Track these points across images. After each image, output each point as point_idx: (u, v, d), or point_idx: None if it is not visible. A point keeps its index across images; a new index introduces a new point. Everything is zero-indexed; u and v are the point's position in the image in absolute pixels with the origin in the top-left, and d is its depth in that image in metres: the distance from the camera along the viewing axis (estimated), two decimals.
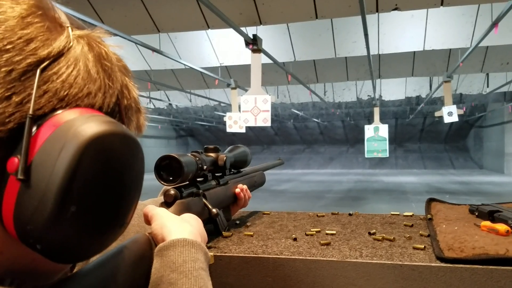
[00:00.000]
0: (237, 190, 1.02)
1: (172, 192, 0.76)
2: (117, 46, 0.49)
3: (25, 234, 0.37)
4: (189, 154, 0.81)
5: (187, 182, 0.82)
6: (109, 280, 0.50)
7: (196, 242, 0.57)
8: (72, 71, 0.41)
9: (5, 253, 0.40)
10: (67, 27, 0.43)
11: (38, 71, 0.38)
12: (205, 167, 0.85)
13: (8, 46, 0.37)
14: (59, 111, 0.39)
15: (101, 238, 0.42)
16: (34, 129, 0.38)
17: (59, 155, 0.36)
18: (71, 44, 0.42)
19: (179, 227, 0.60)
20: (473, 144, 21.40)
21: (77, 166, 0.37)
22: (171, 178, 0.75)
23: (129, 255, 0.55)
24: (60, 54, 0.40)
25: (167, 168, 0.75)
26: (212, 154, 0.92)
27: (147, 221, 0.65)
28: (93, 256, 0.44)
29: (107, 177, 0.39)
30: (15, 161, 0.37)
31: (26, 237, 0.37)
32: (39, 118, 0.38)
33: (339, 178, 16.48)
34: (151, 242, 0.61)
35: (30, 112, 0.37)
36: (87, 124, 0.38)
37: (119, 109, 0.47)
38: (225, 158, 0.93)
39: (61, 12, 0.45)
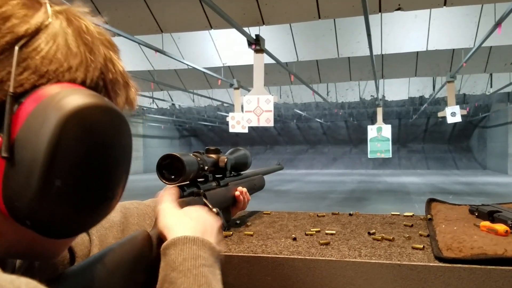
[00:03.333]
0: (237, 193, 1.02)
1: (173, 191, 0.76)
2: (98, 20, 0.48)
3: (14, 211, 0.37)
4: (191, 154, 0.82)
5: (188, 182, 0.82)
6: (108, 275, 0.50)
7: (198, 239, 0.56)
8: (51, 47, 0.40)
9: (5, 233, 0.40)
10: (45, 3, 0.42)
11: (16, 48, 0.38)
12: (206, 167, 0.85)
13: None
14: (40, 88, 0.39)
15: (91, 212, 0.42)
16: (15, 106, 0.38)
17: (40, 130, 0.36)
18: (49, 19, 0.41)
19: (180, 224, 0.60)
20: (476, 144, 21.33)
21: (58, 140, 0.36)
22: (173, 177, 0.75)
23: (128, 251, 0.56)
24: (38, 31, 0.40)
25: (169, 167, 0.75)
26: (213, 155, 0.93)
27: (149, 216, 0.66)
28: (85, 231, 0.44)
29: (90, 150, 0.39)
30: None
31: (16, 214, 0.38)
32: (20, 96, 0.38)
33: (342, 179, 16.47)
34: (151, 239, 0.61)
35: (11, 90, 0.37)
36: (67, 98, 0.38)
37: (104, 84, 0.46)
38: (226, 159, 0.94)
39: None
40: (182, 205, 0.76)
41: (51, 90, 0.39)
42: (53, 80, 0.40)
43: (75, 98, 0.38)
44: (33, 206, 0.37)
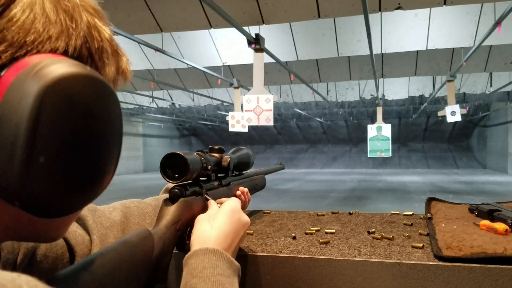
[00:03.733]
0: (238, 192, 1.02)
1: (176, 189, 0.76)
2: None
3: (2, 192, 0.36)
4: (195, 153, 0.82)
5: (191, 181, 0.82)
6: (108, 273, 0.50)
7: (218, 251, 0.61)
8: (28, 16, 0.38)
9: (2, 216, 0.38)
10: None
11: None
12: (209, 167, 0.85)
13: None
14: (18, 60, 0.37)
15: (82, 189, 0.40)
16: None
17: (19, 104, 0.34)
18: None
19: (204, 235, 0.66)
20: (476, 143, 21.34)
21: (39, 113, 0.34)
22: (176, 176, 0.75)
23: (129, 250, 0.56)
24: (12, 0, 0.38)
25: (173, 165, 0.76)
26: (216, 155, 0.93)
27: (150, 215, 0.69)
28: (78, 209, 0.42)
29: (74, 122, 0.37)
30: None
31: (4, 195, 0.36)
32: None
33: (342, 178, 16.48)
34: (152, 237, 0.62)
35: None
36: (47, 68, 0.36)
37: (89, 53, 0.43)
38: (229, 159, 0.94)
39: None
40: (184, 204, 0.76)
41: (30, 61, 0.37)
42: (33, 51, 0.38)
43: (55, 67, 0.36)
44: (19, 185, 0.35)
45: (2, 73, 0.36)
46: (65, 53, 0.40)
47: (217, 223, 0.69)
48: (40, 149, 0.35)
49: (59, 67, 0.36)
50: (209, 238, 0.65)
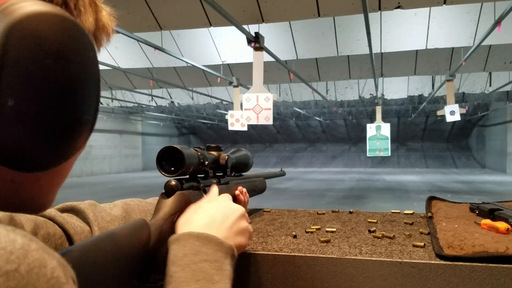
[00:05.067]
0: (237, 192, 1.02)
1: (173, 182, 0.76)
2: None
3: None
4: (192, 148, 0.82)
5: (188, 176, 0.82)
6: (104, 259, 0.50)
7: (203, 235, 0.57)
8: None
9: None
10: None
11: None
12: (206, 162, 0.85)
13: None
14: None
15: (59, 138, 0.38)
16: None
17: None
18: None
19: (188, 219, 0.64)
20: (475, 143, 21.37)
21: (4, 52, 0.33)
22: (172, 169, 0.75)
23: (126, 237, 0.56)
24: None
25: (169, 159, 0.75)
26: (214, 153, 0.93)
27: (151, 213, 0.67)
28: (59, 161, 0.40)
29: (43, 62, 0.35)
30: None
31: None
32: None
33: (341, 177, 16.48)
34: (149, 227, 0.61)
35: None
36: (14, 6, 0.34)
37: (63, 1, 0.42)
38: (226, 157, 0.94)
39: None
40: (181, 197, 0.76)
41: None
42: None
43: (24, 5, 0.34)
44: None
45: None
46: None
47: (202, 208, 0.67)
48: (7, 91, 0.33)
49: (28, 5, 0.35)
50: (193, 222, 0.62)
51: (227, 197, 0.72)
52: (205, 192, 0.84)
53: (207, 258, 0.55)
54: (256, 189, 1.18)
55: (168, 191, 0.75)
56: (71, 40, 0.37)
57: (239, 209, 0.69)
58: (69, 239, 0.63)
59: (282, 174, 1.46)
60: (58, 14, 0.36)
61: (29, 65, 0.34)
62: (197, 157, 0.80)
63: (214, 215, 0.64)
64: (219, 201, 0.69)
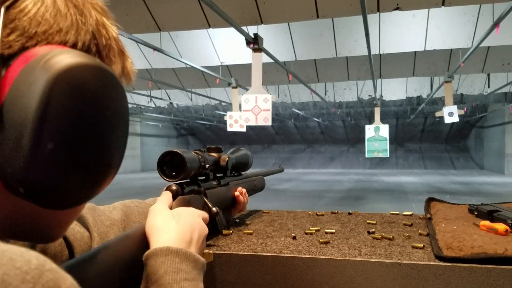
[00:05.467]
0: (237, 193, 1.02)
1: (173, 187, 0.76)
2: None
3: (7, 179, 0.36)
4: (193, 152, 0.82)
5: (189, 180, 0.82)
6: (105, 270, 0.50)
7: (181, 251, 0.54)
8: (39, 8, 0.39)
9: (2, 206, 0.38)
10: None
11: (2, 9, 0.37)
12: (207, 165, 0.85)
13: None
14: (29, 49, 0.38)
15: (87, 179, 0.40)
16: (3, 69, 0.37)
17: (29, 91, 0.35)
18: None
19: (166, 226, 0.59)
20: (473, 144, 21.39)
21: (48, 100, 0.35)
22: (173, 174, 0.75)
23: (126, 247, 0.55)
24: None
25: (170, 163, 0.75)
26: (214, 154, 0.93)
27: None
28: (84, 202, 0.42)
29: (82, 111, 0.37)
30: None
31: (9, 182, 0.36)
32: (9, 58, 0.37)
33: (339, 178, 16.48)
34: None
35: None
36: (57, 58, 0.37)
37: (97, 49, 0.44)
38: (227, 158, 0.93)
39: None
40: (182, 202, 0.76)
41: (39, 51, 0.38)
42: (43, 42, 0.39)
43: (65, 57, 0.37)
44: (26, 172, 0.35)
45: (12, 61, 0.37)
46: (74, 46, 0.41)
47: (177, 212, 0.63)
48: (48, 136, 0.35)
49: (69, 57, 0.37)
50: (166, 233, 0.58)
51: (197, 212, 0.68)
52: (206, 195, 0.84)
53: (186, 277, 0.52)
54: (255, 188, 1.18)
55: None
56: (107, 90, 0.40)
57: (205, 228, 0.66)
58: (69, 246, 0.63)
59: (281, 170, 1.46)
60: (97, 66, 0.39)
61: (70, 112, 0.37)
62: (198, 161, 0.80)
63: (190, 227, 0.61)
64: (191, 214, 0.65)
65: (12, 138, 0.35)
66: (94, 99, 0.38)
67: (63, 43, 0.40)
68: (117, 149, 0.43)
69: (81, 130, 0.38)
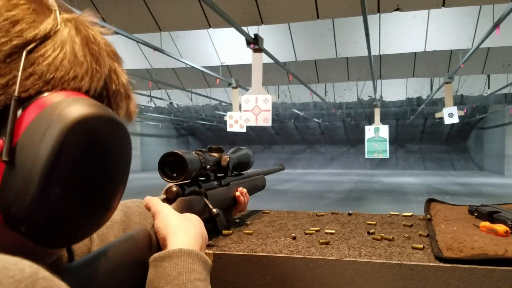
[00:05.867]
0: (237, 193, 1.02)
1: (174, 189, 0.75)
2: (106, 31, 0.48)
3: (9, 216, 0.37)
4: (194, 152, 0.81)
5: (189, 180, 0.82)
6: (107, 272, 0.50)
7: (194, 252, 0.55)
8: (58, 54, 0.41)
9: (5, 242, 0.39)
10: (55, 10, 0.43)
11: (24, 53, 0.38)
12: (208, 166, 0.84)
13: None
14: (45, 94, 0.39)
15: (87, 222, 0.42)
16: (19, 111, 0.38)
17: (43, 137, 0.36)
18: (58, 27, 0.41)
19: (182, 226, 0.60)
20: (473, 145, 21.39)
21: (60, 148, 0.37)
22: (174, 175, 0.75)
23: (128, 249, 0.55)
24: (46, 37, 0.40)
25: (171, 164, 0.75)
26: (215, 154, 0.92)
27: (151, 215, 0.65)
28: (79, 241, 0.44)
29: (91, 160, 0.39)
30: (0, 143, 0.37)
31: (11, 219, 0.37)
32: (25, 101, 0.38)
33: (339, 179, 16.48)
34: (150, 237, 0.61)
35: (16, 94, 0.37)
36: (72, 107, 0.38)
37: (107, 94, 0.46)
38: (228, 159, 0.93)
39: None
40: (183, 203, 0.76)
41: (55, 97, 0.39)
42: (58, 87, 0.40)
43: (79, 107, 0.38)
44: (30, 212, 0.37)
45: (28, 104, 0.38)
46: (86, 92, 0.43)
47: (188, 215, 0.64)
48: (57, 181, 0.37)
49: (83, 107, 0.39)
50: (188, 235, 0.59)
51: (200, 219, 0.68)
52: (206, 196, 0.84)
53: (199, 277, 0.53)
54: (256, 188, 1.18)
55: (170, 198, 0.75)
56: (116, 140, 0.42)
57: (207, 236, 0.67)
58: (68, 249, 0.63)
59: (282, 168, 1.45)
60: (108, 117, 0.41)
61: (79, 162, 0.38)
62: (199, 162, 0.80)
63: (200, 230, 0.63)
64: (197, 219, 0.66)
65: (21, 179, 0.36)
66: (103, 149, 0.41)
67: (77, 89, 0.42)
68: (118, 192, 0.44)
69: (88, 177, 0.40)
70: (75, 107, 0.38)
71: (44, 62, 0.40)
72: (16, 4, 0.39)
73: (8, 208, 0.37)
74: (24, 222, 0.37)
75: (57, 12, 0.43)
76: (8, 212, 0.37)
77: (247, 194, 1.06)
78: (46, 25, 0.40)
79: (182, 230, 0.59)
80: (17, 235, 0.38)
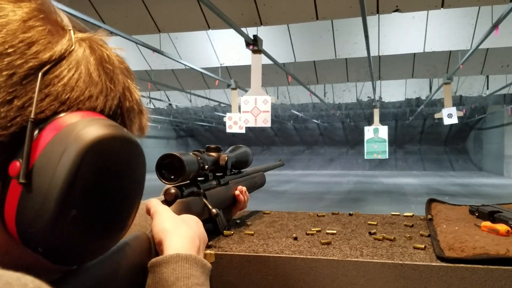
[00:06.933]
0: (237, 192, 1.02)
1: (172, 191, 0.75)
2: (119, 48, 0.49)
3: (27, 238, 0.38)
4: (191, 153, 0.81)
5: (188, 181, 0.81)
6: (108, 277, 0.50)
7: (191, 256, 0.55)
8: (73, 75, 0.41)
9: (10, 253, 0.40)
10: (69, 30, 0.43)
11: (39, 74, 0.38)
12: (206, 166, 0.84)
13: (10, 50, 0.37)
14: (60, 115, 0.39)
15: (102, 241, 0.43)
16: (35, 133, 0.38)
17: (60, 159, 0.37)
18: (72, 47, 0.42)
19: (178, 230, 0.59)
20: (472, 146, 21.41)
21: (77, 170, 0.37)
22: (172, 177, 0.74)
23: (128, 254, 0.55)
24: (61, 58, 0.40)
25: (169, 166, 0.74)
26: (213, 154, 0.92)
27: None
28: (94, 259, 0.45)
29: (108, 181, 0.40)
30: (17, 165, 0.37)
31: (28, 240, 0.38)
32: (41, 122, 0.39)
33: (339, 179, 16.48)
34: (150, 241, 0.61)
35: (32, 116, 0.38)
36: (88, 128, 0.38)
37: (121, 112, 0.47)
38: (226, 158, 0.93)
39: (64, 15, 0.45)
40: (182, 205, 0.76)
41: (71, 118, 0.39)
42: (74, 107, 0.41)
43: (95, 129, 0.39)
44: (47, 234, 0.37)
45: (44, 126, 0.39)
46: (101, 111, 0.43)
47: (185, 217, 0.63)
48: (74, 203, 0.37)
49: (99, 128, 0.39)
50: (183, 239, 0.58)
51: (199, 219, 0.67)
52: (205, 197, 0.84)
53: (197, 282, 0.53)
54: (256, 185, 1.17)
55: (169, 199, 0.74)
56: (132, 160, 0.43)
57: (206, 236, 0.66)
58: None
59: (281, 164, 1.45)
60: (124, 137, 0.41)
61: (96, 183, 0.39)
62: (197, 163, 0.79)
63: (198, 232, 0.62)
64: (195, 220, 0.65)
65: (38, 202, 0.37)
66: (119, 170, 0.41)
67: (92, 109, 0.42)
68: (132, 212, 0.45)
69: (104, 199, 0.40)
70: (90, 129, 0.38)
71: (60, 83, 0.40)
72: (31, 26, 0.39)
73: (26, 229, 0.37)
74: (41, 243, 0.38)
75: (72, 32, 0.43)
76: (26, 234, 0.37)
77: (247, 192, 1.06)
78: (61, 46, 0.41)
79: (177, 234, 0.58)
80: (31, 252, 0.39)
